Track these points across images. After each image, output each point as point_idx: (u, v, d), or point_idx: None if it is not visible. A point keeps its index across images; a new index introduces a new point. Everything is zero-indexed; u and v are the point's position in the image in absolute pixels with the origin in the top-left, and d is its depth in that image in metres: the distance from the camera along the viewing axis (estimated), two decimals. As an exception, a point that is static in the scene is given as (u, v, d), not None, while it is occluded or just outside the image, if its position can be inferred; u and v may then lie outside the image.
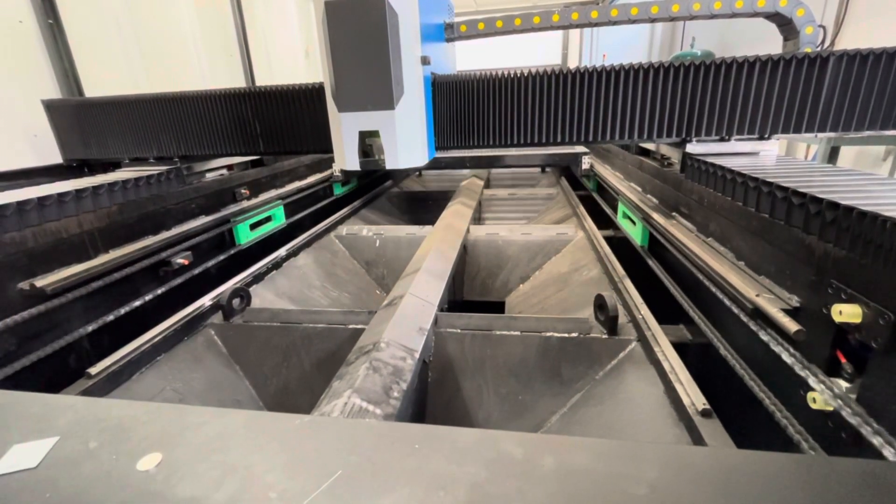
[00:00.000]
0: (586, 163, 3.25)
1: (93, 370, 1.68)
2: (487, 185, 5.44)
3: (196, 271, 2.52)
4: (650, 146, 2.70)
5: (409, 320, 2.00)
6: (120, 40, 3.69)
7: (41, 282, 1.68)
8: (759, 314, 1.26)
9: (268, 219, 3.17)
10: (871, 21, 4.56)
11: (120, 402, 0.93)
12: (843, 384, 1.06)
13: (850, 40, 4.78)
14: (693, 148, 1.99)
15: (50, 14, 3.05)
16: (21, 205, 1.69)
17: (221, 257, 2.73)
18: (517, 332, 2.00)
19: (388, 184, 5.55)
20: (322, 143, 2.23)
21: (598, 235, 3.09)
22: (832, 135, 1.94)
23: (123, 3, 3.70)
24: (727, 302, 1.46)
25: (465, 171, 5.60)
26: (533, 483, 0.67)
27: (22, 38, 2.94)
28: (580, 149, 3.39)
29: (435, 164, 3.14)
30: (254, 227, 3.02)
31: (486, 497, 0.65)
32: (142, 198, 2.26)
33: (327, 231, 3.64)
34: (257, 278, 2.70)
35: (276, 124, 2.27)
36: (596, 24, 2.18)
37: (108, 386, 1.71)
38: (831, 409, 1.07)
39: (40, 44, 3.04)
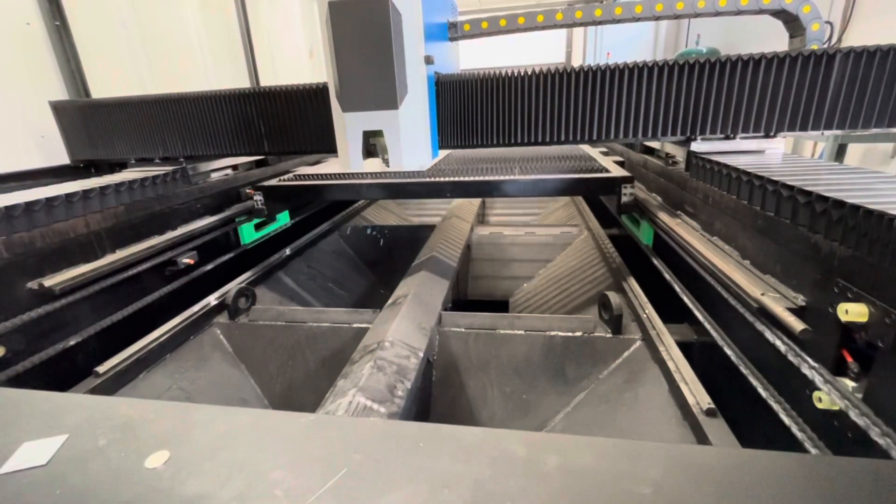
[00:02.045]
0: (627, 194, 2.09)
1: (100, 369, 1.69)
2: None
3: (201, 271, 2.54)
4: (655, 145, 2.69)
5: (414, 319, 2.01)
6: (126, 42, 3.71)
7: (49, 281, 1.70)
8: (764, 313, 1.26)
9: (272, 219, 3.19)
10: (879, 17, 4.52)
11: (128, 400, 0.95)
12: (849, 383, 1.06)
13: (857, 37, 4.74)
14: (698, 146, 1.98)
15: (57, 16, 3.07)
16: (29, 205, 1.71)
17: (226, 257, 2.74)
18: (521, 332, 2.00)
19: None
20: (326, 143, 2.24)
21: (603, 234, 3.08)
22: (839, 132, 1.93)
23: (129, 5, 3.73)
24: (732, 301, 1.45)
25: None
26: (537, 482, 0.67)
27: (29, 40, 2.97)
28: (616, 170, 2.33)
29: (399, 193, 2.26)
30: (258, 226, 3.03)
31: (490, 495, 0.65)
32: (148, 198, 2.27)
33: (331, 230, 3.66)
34: (262, 278, 2.71)
35: (280, 124, 2.28)
36: (600, 23, 2.18)
37: (115, 384, 1.73)
38: (837, 408, 1.06)
39: (47, 46, 3.07)
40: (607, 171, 2.31)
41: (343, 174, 2.51)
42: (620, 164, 2.89)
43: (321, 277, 3.16)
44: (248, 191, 3.04)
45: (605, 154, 3.42)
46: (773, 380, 1.34)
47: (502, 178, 2.21)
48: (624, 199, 2.18)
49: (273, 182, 2.58)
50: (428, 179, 2.25)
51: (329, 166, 3.25)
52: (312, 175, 2.66)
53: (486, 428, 0.80)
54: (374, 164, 2.40)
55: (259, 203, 2.54)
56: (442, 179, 2.24)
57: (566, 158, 2.76)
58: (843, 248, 1.07)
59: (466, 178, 2.25)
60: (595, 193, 2.63)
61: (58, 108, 2.56)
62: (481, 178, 2.23)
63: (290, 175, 2.78)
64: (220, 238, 2.71)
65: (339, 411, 1.39)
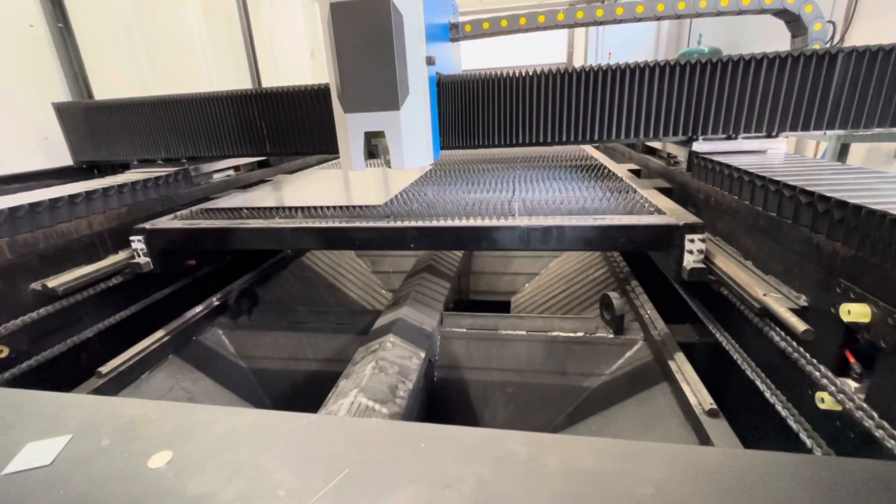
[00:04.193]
0: (696, 251, 1.45)
1: (103, 369, 1.70)
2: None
3: (204, 272, 2.55)
4: (656, 145, 2.69)
5: (415, 320, 2.01)
6: (128, 43, 3.73)
7: (52, 282, 1.70)
8: (766, 313, 1.26)
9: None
10: (882, 17, 4.50)
11: (131, 400, 0.95)
12: (852, 384, 1.06)
13: (859, 37, 4.73)
14: (699, 146, 1.98)
15: (60, 18, 3.08)
16: (33, 206, 1.72)
17: (229, 258, 2.75)
18: (523, 332, 2.00)
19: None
20: (328, 144, 2.24)
21: (604, 234, 3.06)
22: (841, 132, 1.92)
23: (132, 6, 3.74)
24: (734, 301, 1.45)
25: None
26: (538, 482, 0.67)
27: (33, 41, 2.98)
28: (671, 208, 1.67)
29: (339, 241, 1.75)
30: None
31: (491, 496, 0.65)
32: (150, 199, 2.28)
33: (333, 231, 3.65)
34: (264, 278, 2.72)
35: (282, 125, 2.28)
36: (601, 23, 2.17)
37: (118, 385, 1.73)
38: (840, 409, 1.06)
39: (51, 47, 3.08)
40: (657, 210, 1.61)
41: (263, 212, 1.91)
42: (666, 191, 2.01)
43: (323, 278, 3.17)
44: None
45: (636, 173, 2.52)
46: (775, 380, 1.34)
47: (494, 223, 1.60)
48: (690, 260, 1.39)
49: (165, 221, 1.92)
50: (383, 224, 1.67)
51: (251, 196, 2.33)
52: (221, 210, 1.99)
53: (488, 428, 0.80)
54: (323, 197, 1.96)
55: (141, 252, 1.81)
56: (403, 224, 1.66)
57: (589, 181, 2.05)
58: (846, 248, 1.07)
59: (439, 224, 1.63)
60: (640, 248, 1.61)
61: (61, 110, 2.57)
62: (461, 224, 1.61)
63: (196, 209, 2.06)
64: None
65: (341, 412, 1.39)
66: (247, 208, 1.98)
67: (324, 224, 1.74)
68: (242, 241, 1.81)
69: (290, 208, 1.94)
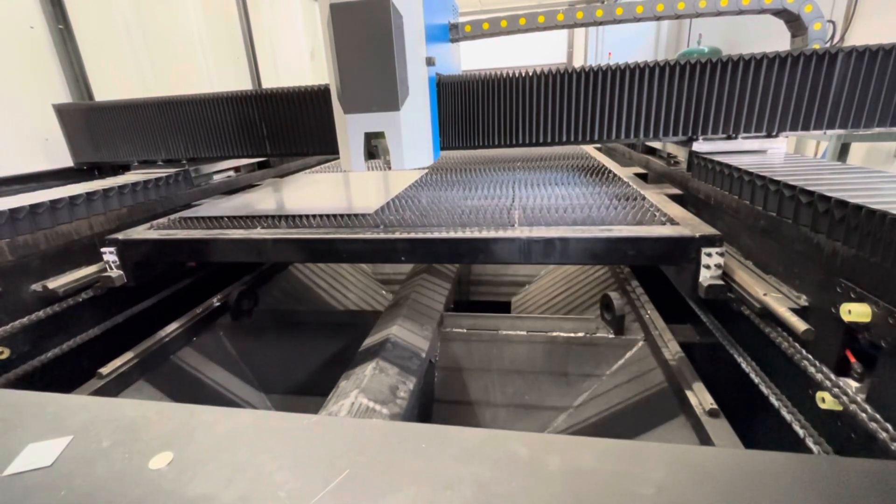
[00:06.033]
0: (714, 266, 1.36)
1: (104, 370, 1.70)
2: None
3: (204, 273, 2.55)
4: (656, 145, 2.69)
5: (416, 320, 2.01)
6: (129, 45, 3.73)
7: (53, 283, 1.71)
8: (766, 313, 1.26)
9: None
10: (881, 16, 4.50)
11: (131, 401, 0.95)
12: (853, 384, 1.06)
13: (859, 36, 4.73)
14: (700, 146, 1.98)
15: (60, 19, 3.08)
16: (34, 208, 1.72)
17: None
18: (523, 332, 2.00)
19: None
20: (328, 145, 2.25)
21: (605, 235, 3.06)
22: (841, 132, 1.92)
23: (133, 8, 3.75)
24: (734, 301, 1.45)
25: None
26: (539, 483, 0.67)
27: (33, 43, 2.99)
28: (685, 217, 1.55)
29: (324, 253, 1.64)
30: (261, 228, 3.03)
31: (492, 496, 0.65)
32: (151, 200, 2.28)
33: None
34: (264, 279, 2.72)
35: (282, 126, 2.29)
36: (601, 23, 2.18)
37: (118, 386, 1.74)
38: (840, 408, 1.06)
39: (51, 49, 3.08)
40: (669, 219, 1.50)
41: (244, 221, 1.82)
42: (677, 198, 1.94)
43: (323, 279, 3.17)
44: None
45: (643, 177, 2.43)
46: (775, 380, 1.34)
47: (491, 235, 1.48)
48: (707, 276, 1.31)
49: (140, 231, 1.81)
50: (372, 235, 1.55)
51: (234, 203, 2.21)
52: (201, 219, 1.90)
53: (489, 429, 0.80)
54: (312, 202, 1.89)
55: (113, 265, 1.71)
56: (394, 236, 1.54)
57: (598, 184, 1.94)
58: (846, 248, 1.07)
59: (432, 235, 1.52)
60: (652, 263, 1.49)
61: (61, 111, 2.58)
62: (456, 236, 1.51)
63: (174, 217, 1.97)
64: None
65: (342, 412, 1.39)
66: (227, 217, 1.88)
67: (307, 235, 1.63)
68: (221, 253, 1.68)
69: (273, 217, 1.84)
